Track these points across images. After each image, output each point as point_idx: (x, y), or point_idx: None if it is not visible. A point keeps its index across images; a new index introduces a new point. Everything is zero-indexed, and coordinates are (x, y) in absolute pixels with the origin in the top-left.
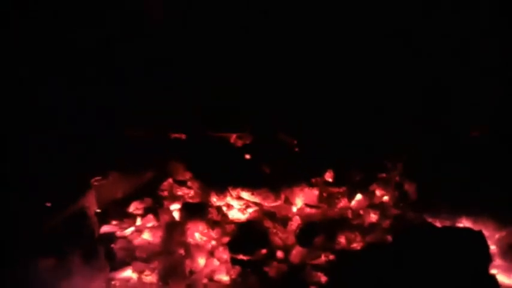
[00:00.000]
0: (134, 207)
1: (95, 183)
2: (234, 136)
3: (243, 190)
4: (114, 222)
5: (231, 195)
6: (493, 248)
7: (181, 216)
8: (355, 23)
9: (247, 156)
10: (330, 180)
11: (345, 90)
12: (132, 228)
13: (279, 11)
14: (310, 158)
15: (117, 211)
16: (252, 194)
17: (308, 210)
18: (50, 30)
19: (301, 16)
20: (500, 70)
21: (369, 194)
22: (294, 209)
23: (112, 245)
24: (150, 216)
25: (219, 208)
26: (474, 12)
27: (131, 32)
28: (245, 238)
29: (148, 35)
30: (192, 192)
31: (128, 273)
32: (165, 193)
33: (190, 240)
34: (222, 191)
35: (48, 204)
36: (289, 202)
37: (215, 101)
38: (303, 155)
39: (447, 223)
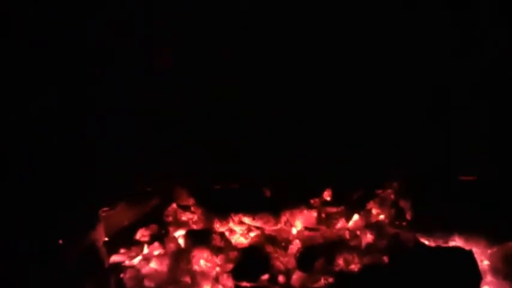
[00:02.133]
0: (140, 234)
1: (103, 214)
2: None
3: (244, 215)
4: (122, 251)
5: (233, 221)
6: (486, 263)
7: (186, 244)
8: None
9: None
10: (328, 198)
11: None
12: (139, 257)
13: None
14: (308, 177)
15: (125, 239)
16: (254, 219)
17: (307, 233)
18: (50, 30)
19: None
20: (500, 70)
21: (365, 213)
22: (294, 231)
23: (121, 275)
24: (157, 244)
25: (222, 234)
26: (474, 12)
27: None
28: (248, 265)
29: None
30: (195, 217)
31: None
32: (170, 218)
33: (195, 267)
34: (224, 217)
35: (60, 242)
36: (289, 224)
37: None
38: (301, 175)
39: (440, 241)
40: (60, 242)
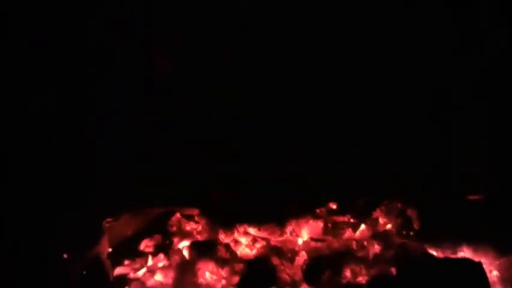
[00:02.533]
0: (145, 245)
1: (107, 225)
2: None
3: (249, 226)
4: (126, 262)
5: (238, 232)
6: (495, 273)
7: (191, 256)
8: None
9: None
10: (334, 207)
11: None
12: (144, 269)
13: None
14: (313, 187)
15: (129, 250)
16: (259, 229)
17: (314, 244)
18: (50, 30)
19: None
20: (500, 70)
21: (372, 222)
22: (300, 241)
23: None
24: (161, 256)
25: (227, 245)
26: (474, 12)
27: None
28: (254, 277)
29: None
30: (199, 227)
31: None
32: (174, 228)
33: (201, 280)
34: (229, 228)
35: (65, 256)
36: (295, 234)
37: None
38: (306, 185)
39: (448, 252)
40: (65, 255)
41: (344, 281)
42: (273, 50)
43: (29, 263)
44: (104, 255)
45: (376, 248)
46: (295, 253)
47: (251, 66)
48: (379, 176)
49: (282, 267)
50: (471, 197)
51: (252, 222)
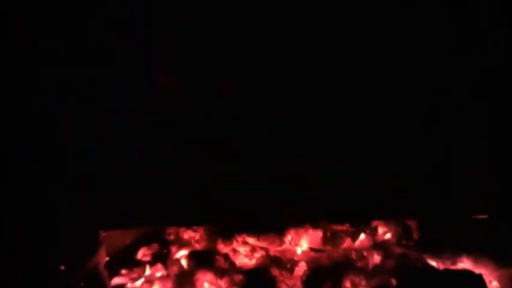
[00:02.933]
0: (142, 254)
1: (103, 234)
2: None
3: (248, 236)
4: (123, 272)
5: (237, 241)
6: (494, 284)
7: (189, 266)
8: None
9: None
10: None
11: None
12: (142, 280)
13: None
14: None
15: (126, 259)
16: (258, 239)
17: (313, 254)
18: (50, 30)
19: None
20: (500, 70)
21: (371, 231)
22: (299, 251)
23: None
24: (159, 265)
25: (226, 256)
26: (474, 12)
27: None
28: None
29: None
30: (197, 236)
31: None
32: (172, 237)
33: None
34: (228, 237)
35: (62, 267)
36: (294, 244)
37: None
38: (306, 188)
39: (448, 263)
40: (62, 267)
41: None
42: (273, 50)
43: (25, 272)
44: (102, 266)
45: (376, 258)
46: (294, 263)
47: (251, 66)
48: (379, 177)
49: (282, 278)
50: (476, 217)
51: (251, 231)
